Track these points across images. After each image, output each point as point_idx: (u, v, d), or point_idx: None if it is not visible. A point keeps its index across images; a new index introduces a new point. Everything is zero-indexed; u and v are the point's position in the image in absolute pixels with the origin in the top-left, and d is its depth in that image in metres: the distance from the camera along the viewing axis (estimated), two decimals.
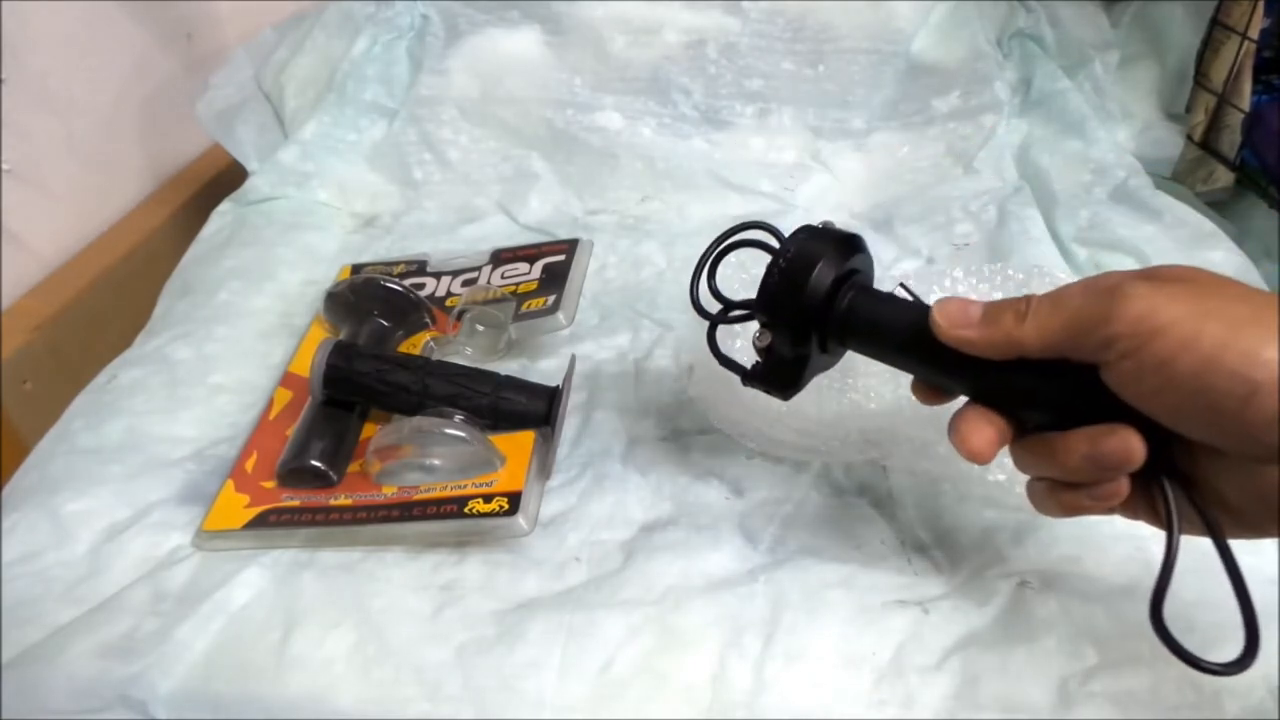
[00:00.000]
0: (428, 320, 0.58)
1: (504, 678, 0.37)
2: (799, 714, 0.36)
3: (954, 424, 0.35)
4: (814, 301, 0.37)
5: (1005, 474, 0.44)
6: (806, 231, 0.38)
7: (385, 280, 0.59)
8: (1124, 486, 0.33)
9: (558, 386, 0.49)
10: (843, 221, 0.70)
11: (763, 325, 0.39)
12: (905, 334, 0.36)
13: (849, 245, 0.38)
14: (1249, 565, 0.40)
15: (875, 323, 0.37)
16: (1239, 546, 0.41)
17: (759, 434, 0.47)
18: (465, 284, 0.62)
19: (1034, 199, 0.68)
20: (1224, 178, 0.74)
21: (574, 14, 0.78)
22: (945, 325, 0.34)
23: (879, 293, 0.39)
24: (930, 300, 0.36)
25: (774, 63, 0.77)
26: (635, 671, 0.37)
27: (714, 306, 0.42)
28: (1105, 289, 0.31)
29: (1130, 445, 0.31)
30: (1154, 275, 0.31)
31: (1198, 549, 0.42)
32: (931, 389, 0.38)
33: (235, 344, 0.58)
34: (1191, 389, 0.29)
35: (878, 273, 0.63)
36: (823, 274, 0.37)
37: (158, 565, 0.43)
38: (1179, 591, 0.40)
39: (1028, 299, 0.33)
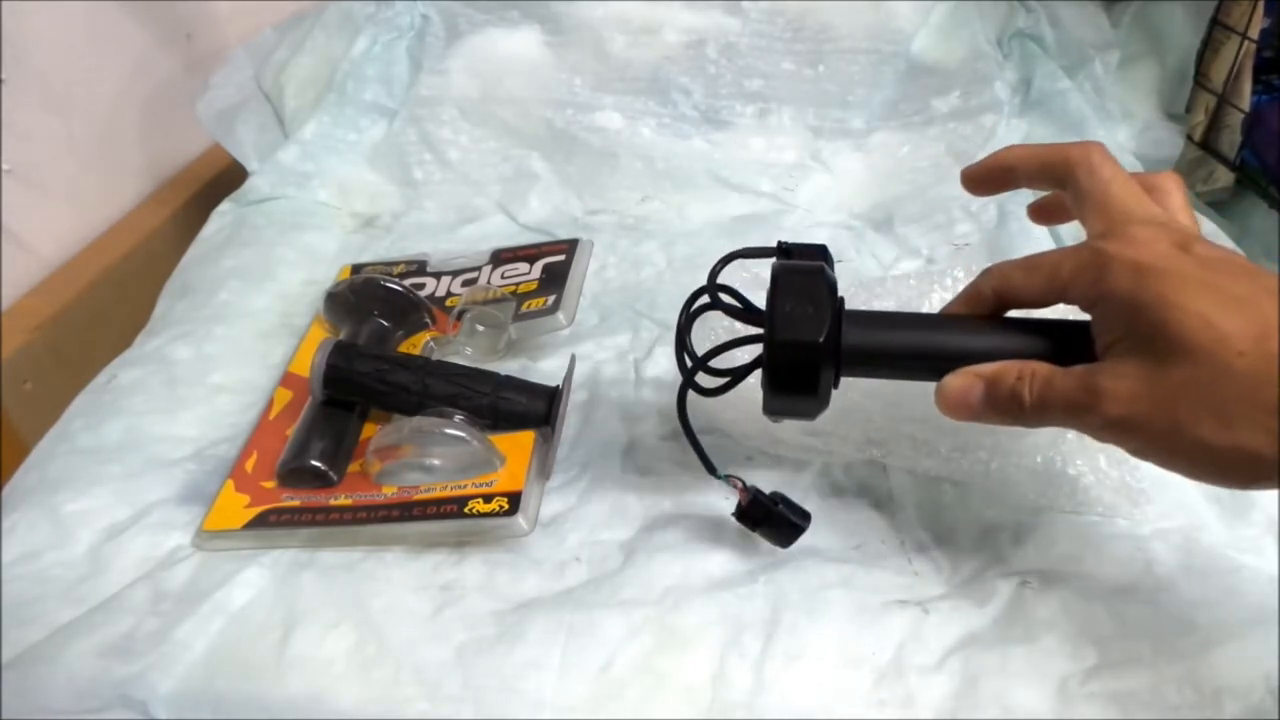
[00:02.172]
0: (428, 320, 0.58)
1: (504, 678, 0.37)
2: (799, 714, 0.36)
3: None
4: (822, 361, 0.36)
5: (1007, 474, 0.44)
6: (787, 278, 0.37)
7: (385, 280, 0.59)
8: None
9: (558, 386, 0.49)
10: (842, 221, 0.70)
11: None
12: (909, 360, 0.37)
13: (825, 275, 0.37)
14: (1249, 565, 0.41)
15: (877, 356, 0.37)
16: (1239, 547, 0.42)
17: (759, 434, 0.47)
18: (465, 284, 0.62)
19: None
20: (1224, 178, 0.74)
21: (574, 14, 0.78)
22: (951, 413, 0.35)
23: (868, 320, 0.38)
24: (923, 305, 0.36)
25: (774, 63, 0.77)
26: (635, 671, 0.37)
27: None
28: (1085, 377, 0.31)
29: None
30: (1136, 348, 0.30)
31: (1198, 549, 0.42)
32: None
33: (235, 344, 0.58)
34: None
35: (878, 273, 0.63)
36: (825, 347, 0.36)
37: (158, 565, 0.43)
38: (1180, 591, 0.40)
39: (1018, 391, 0.33)
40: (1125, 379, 0.30)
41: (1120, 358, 0.30)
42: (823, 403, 0.38)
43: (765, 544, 0.43)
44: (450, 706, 0.37)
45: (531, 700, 0.37)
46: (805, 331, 0.36)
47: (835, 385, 0.38)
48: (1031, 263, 0.35)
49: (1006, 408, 0.33)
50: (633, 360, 0.55)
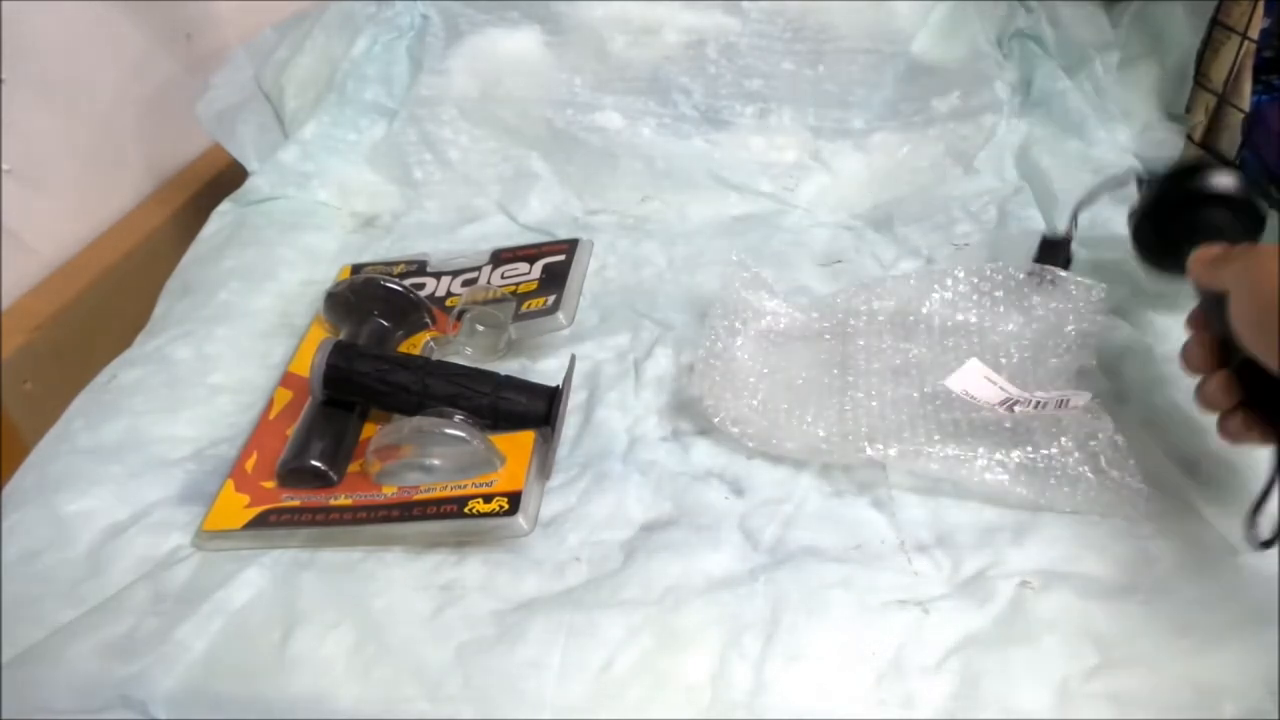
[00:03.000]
0: (428, 320, 0.58)
1: (504, 678, 0.37)
2: (799, 714, 0.36)
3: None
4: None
5: (1007, 474, 0.44)
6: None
7: (385, 280, 0.59)
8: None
9: (558, 386, 0.49)
10: (842, 221, 0.70)
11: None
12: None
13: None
14: (1249, 565, 0.41)
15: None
16: (1240, 547, 0.42)
17: (759, 433, 0.47)
18: (465, 284, 0.62)
19: (1034, 199, 0.68)
20: None
21: (574, 14, 0.78)
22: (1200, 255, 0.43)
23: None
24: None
25: (774, 63, 0.77)
26: (635, 671, 0.37)
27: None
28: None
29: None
30: None
31: (1198, 550, 0.42)
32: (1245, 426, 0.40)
33: (235, 344, 0.58)
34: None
35: (877, 272, 0.63)
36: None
37: (158, 565, 0.43)
38: (1180, 591, 0.40)
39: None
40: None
41: None
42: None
43: (765, 543, 0.43)
44: (450, 706, 0.37)
45: (531, 700, 0.37)
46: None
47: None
48: None
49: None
50: (633, 360, 0.55)
